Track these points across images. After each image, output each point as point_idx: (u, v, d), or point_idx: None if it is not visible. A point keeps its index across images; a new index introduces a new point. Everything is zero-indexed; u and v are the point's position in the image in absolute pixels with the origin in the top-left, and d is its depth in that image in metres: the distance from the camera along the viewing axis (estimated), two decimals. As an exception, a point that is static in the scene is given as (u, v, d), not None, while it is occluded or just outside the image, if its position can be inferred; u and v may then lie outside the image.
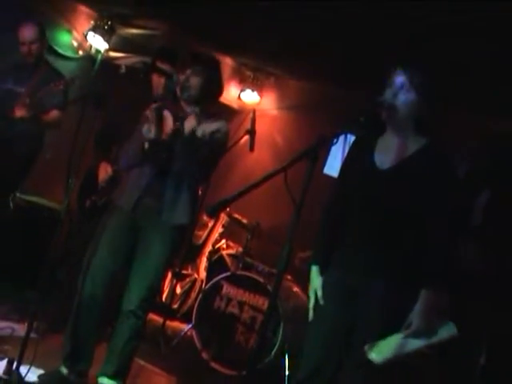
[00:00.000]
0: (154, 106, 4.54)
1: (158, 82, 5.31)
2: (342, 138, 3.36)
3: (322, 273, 3.79)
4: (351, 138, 3.54)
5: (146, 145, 4.45)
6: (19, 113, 5.92)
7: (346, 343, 3.61)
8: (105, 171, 5.18)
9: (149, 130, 4.44)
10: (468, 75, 5.58)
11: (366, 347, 3.45)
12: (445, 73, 4.84)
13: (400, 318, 3.51)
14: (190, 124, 4.40)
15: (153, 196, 4.53)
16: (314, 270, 3.84)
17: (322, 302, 3.74)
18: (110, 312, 4.71)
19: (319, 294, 3.74)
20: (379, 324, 3.52)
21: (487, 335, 4.37)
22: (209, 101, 4.77)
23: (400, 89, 3.56)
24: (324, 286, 3.76)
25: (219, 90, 4.84)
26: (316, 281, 3.79)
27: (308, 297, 3.85)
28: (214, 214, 6.55)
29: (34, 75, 6.25)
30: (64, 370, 4.52)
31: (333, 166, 3.53)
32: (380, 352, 3.45)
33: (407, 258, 3.51)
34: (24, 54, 6.29)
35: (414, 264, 3.50)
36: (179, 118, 4.41)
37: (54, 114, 6.13)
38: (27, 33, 6.28)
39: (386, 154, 3.66)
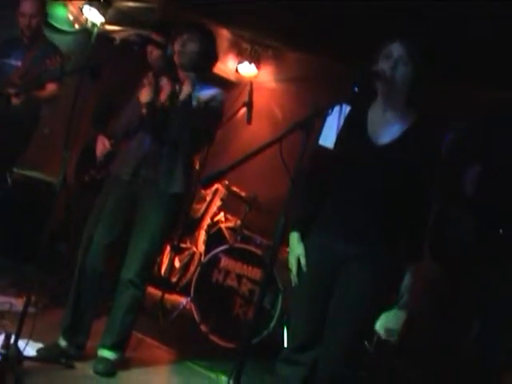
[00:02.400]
0: (151, 72, 4.56)
1: (153, 54, 5.30)
2: (337, 108, 3.36)
3: (302, 239, 3.77)
4: (346, 109, 3.52)
5: (144, 110, 4.46)
6: (15, 90, 5.87)
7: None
8: (102, 145, 5.16)
9: (147, 94, 4.44)
10: (457, 47, 5.56)
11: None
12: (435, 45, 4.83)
13: (385, 287, 3.53)
14: (185, 90, 4.42)
15: (150, 166, 4.56)
16: (295, 236, 3.83)
17: (305, 268, 3.75)
18: (110, 285, 4.73)
19: (302, 261, 3.74)
20: (361, 293, 3.53)
21: (481, 304, 4.38)
22: (204, 68, 4.78)
23: (398, 61, 3.54)
24: (307, 253, 3.76)
25: (214, 57, 4.84)
26: (298, 248, 3.80)
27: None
28: (209, 185, 6.55)
29: (30, 49, 6.22)
30: (63, 343, 4.54)
31: (328, 136, 3.51)
32: (382, 325, 3.47)
33: (395, 229, 3.52)
34: (22, 27, 6.24)
35: (401, 236, 3.51)
36: (176, 83, 4.43)
37: (51, 87, 6.09)
38: (28, 5, 6.23)
39: (379, 128, 3.65)
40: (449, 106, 5.82)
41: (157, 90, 4.50)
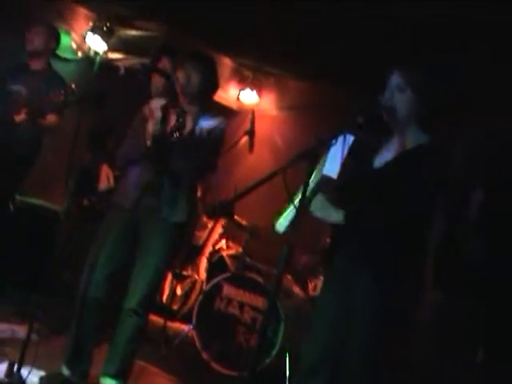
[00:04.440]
0: (159, 102, 4.57)
1: (158, 82, 5.32)
2: (341, 138, 3.38)
3: None
4: (350, 139, 3.54)
5: (149, 142, 4.47)
6: (18, 116, 5.91)
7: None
8: (106, 177, 5.18)
9: (154, 126, 4.45)
10: (468, 73, 5.58)
11: None
12: (445, 71, 4.85)
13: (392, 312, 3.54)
14: (189, 122, 4.44)
15: (152, 194, 4.56)
16: None
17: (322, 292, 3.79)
18: (111, 313, 4.72)
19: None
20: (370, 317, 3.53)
21: (487, 329, 4.38)
22: (206, 98, 4.80)
23: (396, 89, 3.57)
24: (324, 283, 3.79)
25: (216, 86, 4.87)
26: None
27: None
28: (214, 216, 6.58)
29: (35, 76, 6.26)
30: (65, 371, 4.53)
31: (332, 166, 3.51)
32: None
33: (397, 250, 3.52)
34: (32, 55, 6.29)
35: (405, 257, 3.52)
36: (181, 115, 4.46)
37: (52, 118, 6.10)
38: (42, 36, 6.29)
39: (385, 154, 3.67)
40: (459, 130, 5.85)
41: (164, 123, 4.50)
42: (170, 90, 4.76)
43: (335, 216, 3.58)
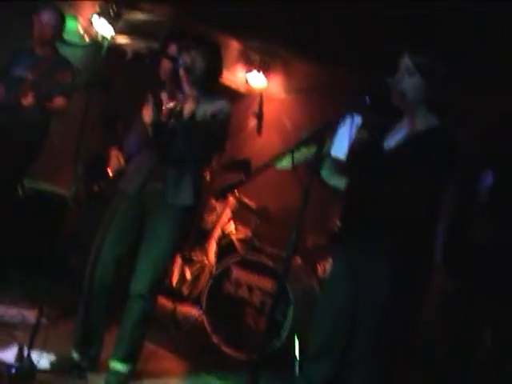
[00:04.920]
0: (151, 93, 4.55)
1: (166, 66, 5.30)
2: (348, 119, 3.37)
3: None
4: (358, 120, 3.52)
5: (150, 130, 4.46)
6: (25, 101, 5.91)
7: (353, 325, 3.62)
8: (117, 161, 5.17)
9: (149, 115, 4.45)
10: (477, 55, 5.56)
11: None
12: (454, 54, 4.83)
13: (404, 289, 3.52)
14: (188, 107, 4.42)
15: (158, 179, 4.57)
16: None
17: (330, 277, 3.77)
18: (119, 296, 4.73)
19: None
20: (382, 305, 3.52)
21: (494, 319, 4.36)
22: (210, 82, 4.78)
23: (405, 72, 3.55)
24: (332, 267, 3.78)
25: (220, 71, 4.85)
26: None
27: None
28: (222, 197, 6.57)
29: (42, 61, 6.25)
30: (75, 355, 4.55)
31: (340, 147, 3.49)
32: None
33: (407, 235, 3.50)
34: (38, 38, 6.28)
35: (415, 242, 3.50)
36: (179, 100, 4.45)
37: (60, 101, 6.08)
38: (49, 18, 6.28)
39: (396, 135, 3.66)
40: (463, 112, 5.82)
41: (158, 109, 4.48)
42: (174, 74, 4.74)
43: (337, 182, 3.61)
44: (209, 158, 4.88)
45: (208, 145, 4.59)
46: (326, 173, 3.62)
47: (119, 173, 4.99)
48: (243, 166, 5.36)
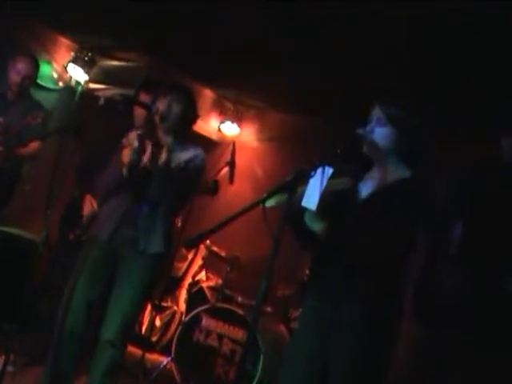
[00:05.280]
0: (136, 132, 4.55)
1: (139, 114, 5.33)
2: (319, 170, 3.39)
3: None
4: (329, 171, 3.54)
5: (125, 171, 4.46)
6: None
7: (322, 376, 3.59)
8: (90, 205, 5.18)
9: (129, 155, 4.44)
10: (448, 104, 5.63)
11: None
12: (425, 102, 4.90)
13: (375, 347, 3.51)
14: (163, 154, 4.43)
15: (129, 226, 4.54)
16: None
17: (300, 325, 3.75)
18: (89, 344, 4.68)
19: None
20: (354, 355, 3.50)
21: (466, 361, 4.36)
22: (185, 129, 4.80)
23: (376, 123, 3.58)
24: (301, 316, 3.76)
25: (195, 118, 4.87)
26: None
27: None
28: (192, 247, 6.56)
29: (13, 106, 6.25)
30: (43, 404, 4.49)
31: (311, 198, 3.50)
32: None
33: (379, 285, 3.50)
34: (12, 84, 6.30)
35: (386, 292, 3.50)
36: (156, 146, 4.45)
37: (33, 145, 6.09)
38: (25, 66, 6.31)
39: (366, 186, 3.67)
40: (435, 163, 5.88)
41: (140, 152, 4.48)
42: (149, 121, 4.75)
43: (318, 227, 3.58)
44: (181, 205, 4.88)
45: (181, 192, 4.60)
46: (308, 218, 3.62)
47: (92, 218, 4.99)
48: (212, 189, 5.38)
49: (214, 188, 4.28)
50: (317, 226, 3.63)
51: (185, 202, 4.87)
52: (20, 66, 6.31)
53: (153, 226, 4.54)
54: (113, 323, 4.50)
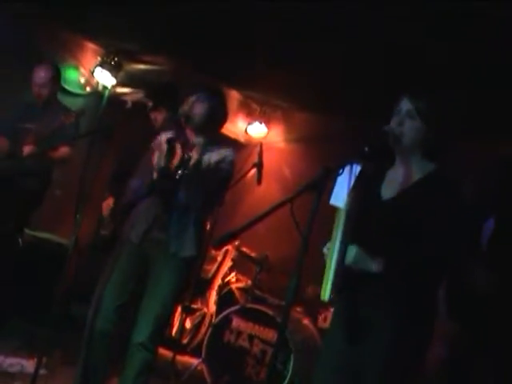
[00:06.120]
0: (164, 136, 4.56)
1: (157, 117, 5.36)
2: (348, 168, 3.38)
3: None
4: (357, 169, 3.54)
5: (155, 175, 4.47)
6: (27, 150, 5.96)
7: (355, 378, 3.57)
8: (107, 204, 5.22)
9: (159, 160, 4.45)
10: (476, 100, 5.60)
11: None
12: (453, 99, 4.87)
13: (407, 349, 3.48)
14: (194, 155, 4.42)
15: (160, 228, 4.55)
16: None
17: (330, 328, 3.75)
18: (121, 347, 4.70)
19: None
20: (388, 354, 3.48)
21: (497, 360, 4.33)
22: (214, 129, 4.80)
23: (406, 116, 3.56)
24: (333, 318, 3.75)
25: (224, 117, 4.86)
26: None
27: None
28: (221, 246, 6.57)
29: (44, 114, 6.31)
30: (75, 405, 4.52)
31: (339, 196, 3.49)
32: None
33: (413, 287, 3.47)
34: (35, 95, 6.38)
35: (421, 293, 3.47)
36: (187, 148, 4.44)
37: (64, 149, 6.17)
38: (39, 75, 6.38)
39: (392, 185, 3.64)
40: (470, 158, 5.85)
41: (171, 156, 4.48)
42: (176, 122, 4.76)
43: (370, 265, 3.50)
44: (212, 206, 4.87)
45: (211, 193, 4.60)
46: (351, 258, 3.56)
47: (111, 215, 5.01)
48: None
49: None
50: (367, 265, 3.57)
51: (215, 204, 4.86)
52: (35, 77, 6.39)
53: (184, 229, 4.55)
54: (145, 326, 4.51)
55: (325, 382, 3.68)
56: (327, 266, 3.40)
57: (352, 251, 3.44)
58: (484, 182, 4.84)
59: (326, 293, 3.37)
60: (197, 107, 4.64)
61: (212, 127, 4.77)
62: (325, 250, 3.50)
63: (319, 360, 3.78)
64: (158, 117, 5.34)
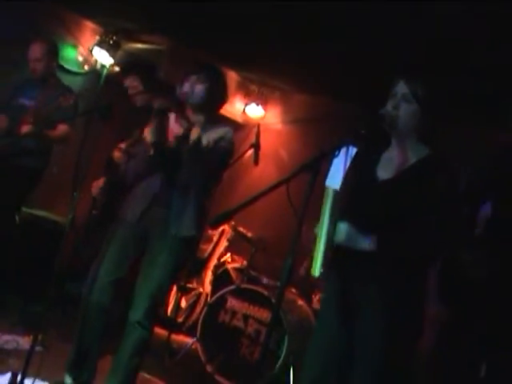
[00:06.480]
0: (156, 108, 4.55)
1: (131, 84, 5.39)
2: (343, 150, 3.40)
3: None
4: (353, 151, 3.56)
5: (151, 150, 4.48)
6: (25, 129, 5.96)
7: (348, 356, 3.60)
8: (97, 185, 5.24)
9: (152, 133, 4.47)
10: (471, 86, 5.61)
11: None
12: (447, 85, 4.87)
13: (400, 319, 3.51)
14: (194, 132, 4.42)
15: (160, 207, 4.55)
16: None
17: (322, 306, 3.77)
18: (115, 324, 4.72)
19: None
20: (378, 334, 3.51)
21: (489, 343, 4.35)
22: (214, 108, 4.80)
23: (402, 99, 3.57)
24: (325, 296, 3.77)
25: (224, 97, 4.85)
26: None
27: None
28: (217, 225, 6.59)
29: (42, 91, 6.31)
30: (68, 380, 4.53)
31: (334, 178, 3.51)
32: None
33: (401, 265, 3.50)
34: (31, 71, 6.37)
35: (410, 272, 3.50)
36: (186, 126, 4.44)
37: (63, 128, 6.17)
38: (33, 50, 6.36)
39: (387, 166, 3.66)
40: (466, 143, 5.87)
41: (162, 129, 4.49)
42: (176, 100, 4.75)
43: (363, 244, 3.52)
44: (211, 186, 4.85)
45: (210, 172, 4.59)
46: (339, 236, 3.57)
47: (102, 194, 5.01)
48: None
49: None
50: (356, 243, 3.58)
51: (215, 183, 4.85)
52: (30, 52, 6.39)
53: (184, 209, 4.54)
54: (141, 304, 4.51)
55: (316, 361, 3.72)
56: (317, 242, 3.44)
57: (343, 228, 3.48)
58: (481, 167, 4.86)
59: (316, 269, 3.41)
60: (197, 87, 4.64)
61: (211, 107, 4.76)
62: (316, 229, 3.52)
63: (312, 339, 3.81)
64: (132, 84, 5.35)
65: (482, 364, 4.48)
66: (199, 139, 4.39)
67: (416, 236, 3.47)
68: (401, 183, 3.58)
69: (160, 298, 4.71)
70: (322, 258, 3.41)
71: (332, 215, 3.46)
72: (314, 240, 3.44)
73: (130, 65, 5.55)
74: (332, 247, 3.44)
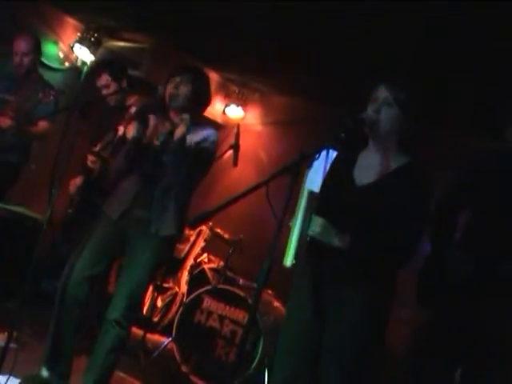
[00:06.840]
0: (137, 106, 4.55)
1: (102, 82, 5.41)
2: (323, 153, 3.41)
3: None
4: (333, 153, 3.57)
5: (130, 146, 4.48)
6: (4, 123, 5.93)
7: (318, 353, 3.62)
8: (74, 183, 5.22)
9: (133, 130, 4.47)
10: (452, 94, 5.64)
11: None
12: (428, 91, 4.90)
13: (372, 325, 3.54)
14: (179, 131, 4.42)
15: (142, 207, 4.55)
16: None
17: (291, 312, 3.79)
18: (91, 323, 4.71)
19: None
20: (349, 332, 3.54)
21: (464, 348, 4.36)
22: (197, 111, 4.79)
23: (383, 104, 3.59)
24: (294, 294, 3.78)
25: (207, 99, 4.87)
26: None
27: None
28: (195, 226, 6.58)
29: (23, 85, 6.28)
30: (44, 373, 4.52)
31: (314, 181, 3.53)
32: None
33: (381, 273, 3.54)
34: (15, 65, 6.33)
35: (380, 273, 3.54)
36: (170, 125, 4.45)
37: (43, 125, 6.16)
38: (21, 44, 6.32)
39: (366, 171, 3.68)
40: (445, 151, 5.91)
41: (143, 125, 4.48)
42: (159, 101, 4.74)
43: (336, 241, 3.53)
44: (193, 187, 4.85)
45: (192, 173, 4.60)
46: (313, 230, 3.58)
47: (79, 193, 5.00)
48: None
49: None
50: (330, 239, 3.60)
51: (197, 183, 4.85)
52: (16, 46, 6.34)
53: (165, 208, 4.55)
54: (119, 303, 4.52)
55: (287, 351, 3.74)
56: (291, 234, 3.46)
57: (317, 222, 3.49)
58: (459, 174, 4.88)
59: (287, 259, 3.43)
60: (181, 88, 4.63)
61: (195, 109, 4.75)
62: (290, 223, 3.54)
63: (280, 338, 3.83)
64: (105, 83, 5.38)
65: (458, 369, 4.49)
66: (184, 135, 4.39)
67: (385, 238, 3.51)
68: (381, 189, 3.60)
69: (139, 298, 4.70)
70: (295, 249, 3.44)
71: (306, 213, 3.49)
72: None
73: (101, 64, 5.53)
74: (305, 240, 3.46)
